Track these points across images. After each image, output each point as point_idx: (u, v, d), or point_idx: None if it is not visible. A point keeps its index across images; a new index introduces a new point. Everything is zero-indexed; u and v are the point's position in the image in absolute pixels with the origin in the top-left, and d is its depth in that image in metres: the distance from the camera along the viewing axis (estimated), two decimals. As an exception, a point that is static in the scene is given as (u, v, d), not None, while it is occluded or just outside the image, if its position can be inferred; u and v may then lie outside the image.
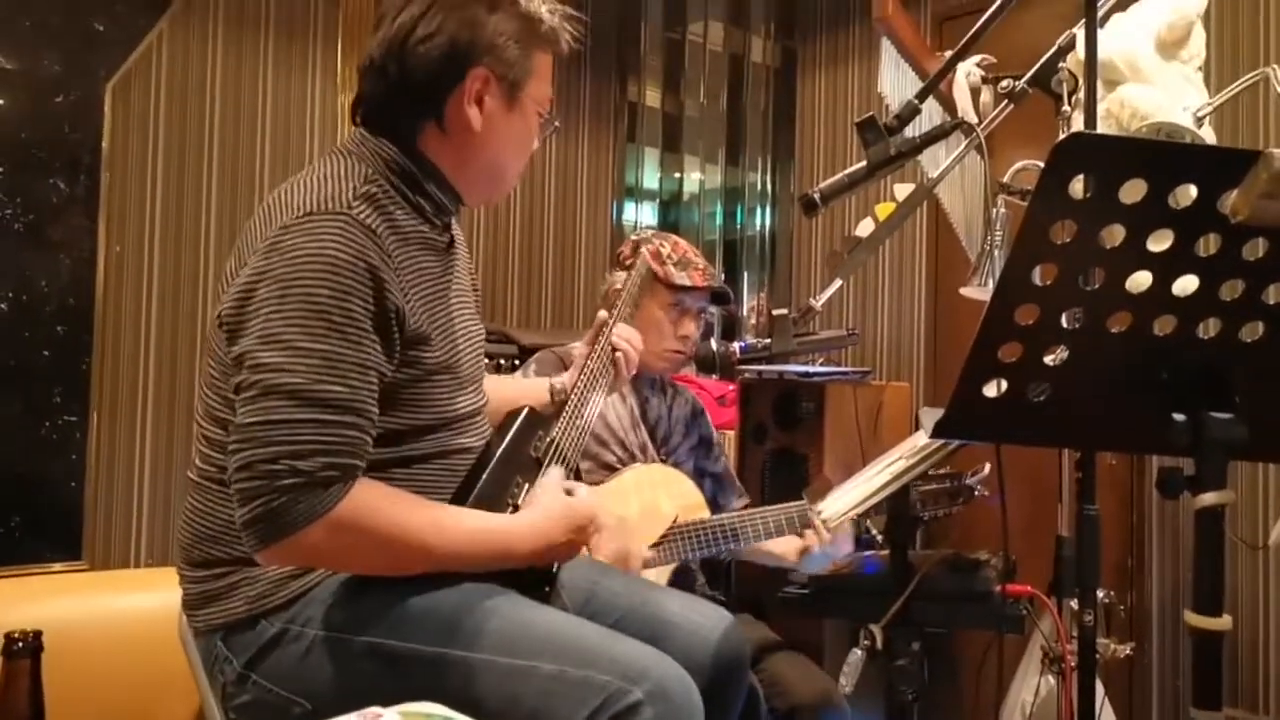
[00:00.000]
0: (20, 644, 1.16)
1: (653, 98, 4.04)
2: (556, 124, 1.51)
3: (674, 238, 2.22)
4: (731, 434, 3.08)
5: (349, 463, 1.21)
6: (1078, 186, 1.00)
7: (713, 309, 2.31)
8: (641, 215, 4.04)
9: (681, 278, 2.14)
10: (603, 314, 1.74)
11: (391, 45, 1.35)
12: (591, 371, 1.65)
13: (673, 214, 4.10)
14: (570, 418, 1.56)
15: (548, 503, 1.39)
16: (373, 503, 1.23)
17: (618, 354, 1.69)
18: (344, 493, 1.20)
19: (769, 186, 4.10)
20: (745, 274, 4.13)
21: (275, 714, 1.30)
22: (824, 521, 1.93)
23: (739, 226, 4.13)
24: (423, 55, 1.34)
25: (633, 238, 2.22)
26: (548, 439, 1.51)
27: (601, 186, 3.85)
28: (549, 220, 3.68)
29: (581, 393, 1.60)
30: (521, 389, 1.71)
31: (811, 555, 2.01)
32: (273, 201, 1.31)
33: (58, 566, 2.51)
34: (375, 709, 0.76)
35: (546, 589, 1.45)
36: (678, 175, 4.11)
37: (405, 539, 1.26)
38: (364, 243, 1.24)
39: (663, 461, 2.21)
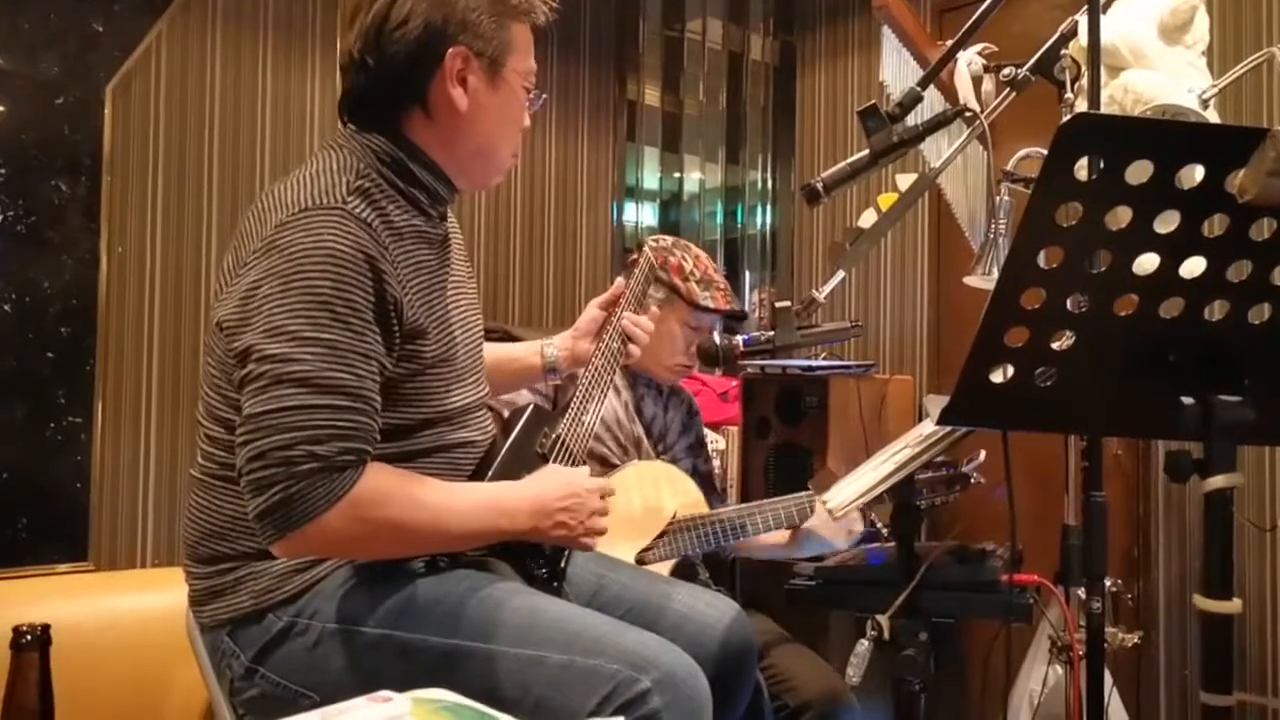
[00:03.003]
0: (28, 636, 1.17)
1: (652, 96, 4.02)
2: (544, 96, 1.50)
3: (695, 250, 2.20)
4: (735, 429, 3.07)
5: (362, 447, 1.21)
6: (1083, 168, 1.00)
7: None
8: (642, 215, 4.03)
9: (706, 299, 2.12)
10: (620, 281, 1.72)
11: (368, 37, 1.35)
12: (603, 354, 1.64)
13: (673, 213, 4.09)
14: (576, 413, 1.55)
15: (544, 472, 1.42)
16: (386, 484, 1.23)
17: (626, 328, 1.67)
18: (358, 476, 1.20)
19: (770, 184, 4.09)
20: (747, 273, 4.11)
21: (283, 707, 1.29)
22: (830, 512, 1.92)
23: (740, 225, 4.12)
24: (399, 41, 1.33)
25: (649, 244, 2.18)
26: (553, 436, 1.50)
27: (601, 186, 3.84)
28: (549, 219, 3.68)
29: (588, 387, 1.60)
30: (513, 352, 1.72)
31: (806, 540, 2.00)
32: (267, 199, 1.31)
33: (64, 568, 2.50)
34: (385, 692, 0.76)
35: (556, 584, 1.45)
36: (678, 175, 4.09)
37: (420, 517, 1.26)
38: (361, 235, 1.24)
39: (659, 458, 2.21)
